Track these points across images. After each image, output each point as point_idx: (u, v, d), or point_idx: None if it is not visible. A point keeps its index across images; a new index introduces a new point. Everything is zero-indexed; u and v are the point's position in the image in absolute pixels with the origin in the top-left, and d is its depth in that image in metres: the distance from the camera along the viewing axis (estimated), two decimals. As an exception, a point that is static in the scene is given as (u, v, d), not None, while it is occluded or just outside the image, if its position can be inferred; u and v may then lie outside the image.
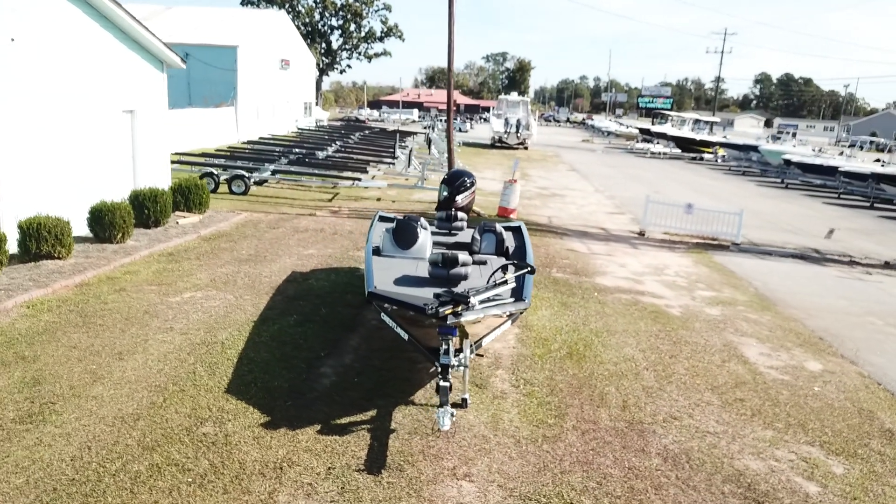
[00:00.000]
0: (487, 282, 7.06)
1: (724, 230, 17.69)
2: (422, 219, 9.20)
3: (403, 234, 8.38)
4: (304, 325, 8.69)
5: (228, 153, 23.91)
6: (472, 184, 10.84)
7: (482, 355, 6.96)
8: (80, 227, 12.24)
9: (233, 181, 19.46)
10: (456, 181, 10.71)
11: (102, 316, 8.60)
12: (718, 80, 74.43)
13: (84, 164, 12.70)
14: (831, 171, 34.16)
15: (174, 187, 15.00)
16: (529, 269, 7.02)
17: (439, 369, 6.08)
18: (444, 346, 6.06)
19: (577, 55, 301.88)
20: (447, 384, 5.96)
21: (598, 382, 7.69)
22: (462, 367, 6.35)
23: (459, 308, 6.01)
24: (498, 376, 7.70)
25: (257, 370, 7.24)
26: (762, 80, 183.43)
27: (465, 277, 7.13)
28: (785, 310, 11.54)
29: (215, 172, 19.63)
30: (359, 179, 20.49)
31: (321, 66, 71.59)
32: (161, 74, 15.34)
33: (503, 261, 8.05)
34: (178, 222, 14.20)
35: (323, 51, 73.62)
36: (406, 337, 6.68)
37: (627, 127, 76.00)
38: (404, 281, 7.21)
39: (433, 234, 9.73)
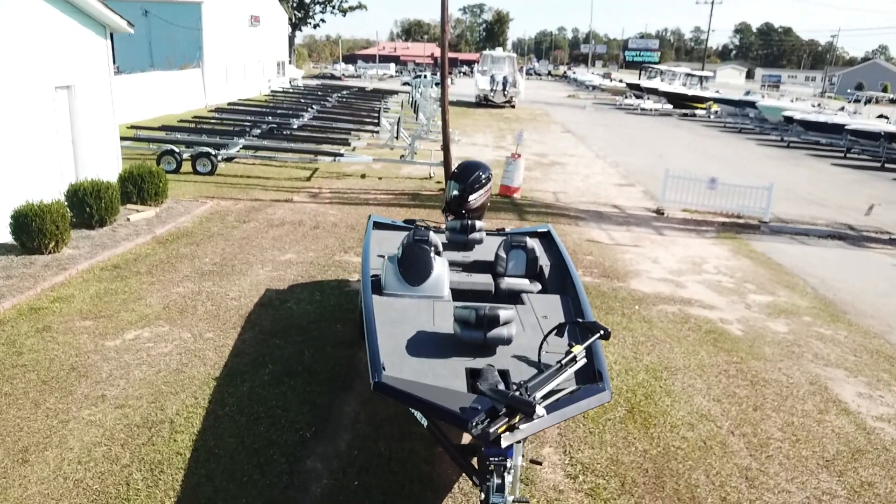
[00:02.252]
0: (539, 351, 5.02)
1: (749, 204, 15.80)
2: (432, 235, 7.08)
3: (412, 264, 6.27)
4: (282, 382, 6.61)
5: (193, 124, 21.38)
6: (488, 179, 8.71)
7: (540, 463, 5.01)
8: (2, 234, 9.97)
9: (197, 160, 17.08)
10: (468, 177, 8.57)
11: (12, 378, 6.46)
12: (709, 31, 71.61)
13: (5, 155, 10.34)
14: (837, 129, 32.28)
15: (124, 175, 12.67)
16: (602, 333, 4.98)
17: None
18: (494, 478, 4.04)
19: (555, 6, 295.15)
20: None
21: (680, 465, 5.75)
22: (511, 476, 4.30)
23: (518, 420, 3.98)
24: (546, 458, 5.73)
25: (219, 475, 5.19)
26: (742, 29, 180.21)
27: (508, 342, 5.08)
28: (859, 319, 9.66)
29: (177, 150, 17.21)
30: (340, 155, 18.18)
31: (293, 20, 67.75)
32: (103, 41, 12.86)
33: (555, 313, 5.99)
34: (129, 219, 11.93)
35: (295, 4, 69.68)
36: (425, 424, 4.65)
37: (613, 80, 73.39)
38: (422, 346, 5.15)
39: (446, 248, 7.63)
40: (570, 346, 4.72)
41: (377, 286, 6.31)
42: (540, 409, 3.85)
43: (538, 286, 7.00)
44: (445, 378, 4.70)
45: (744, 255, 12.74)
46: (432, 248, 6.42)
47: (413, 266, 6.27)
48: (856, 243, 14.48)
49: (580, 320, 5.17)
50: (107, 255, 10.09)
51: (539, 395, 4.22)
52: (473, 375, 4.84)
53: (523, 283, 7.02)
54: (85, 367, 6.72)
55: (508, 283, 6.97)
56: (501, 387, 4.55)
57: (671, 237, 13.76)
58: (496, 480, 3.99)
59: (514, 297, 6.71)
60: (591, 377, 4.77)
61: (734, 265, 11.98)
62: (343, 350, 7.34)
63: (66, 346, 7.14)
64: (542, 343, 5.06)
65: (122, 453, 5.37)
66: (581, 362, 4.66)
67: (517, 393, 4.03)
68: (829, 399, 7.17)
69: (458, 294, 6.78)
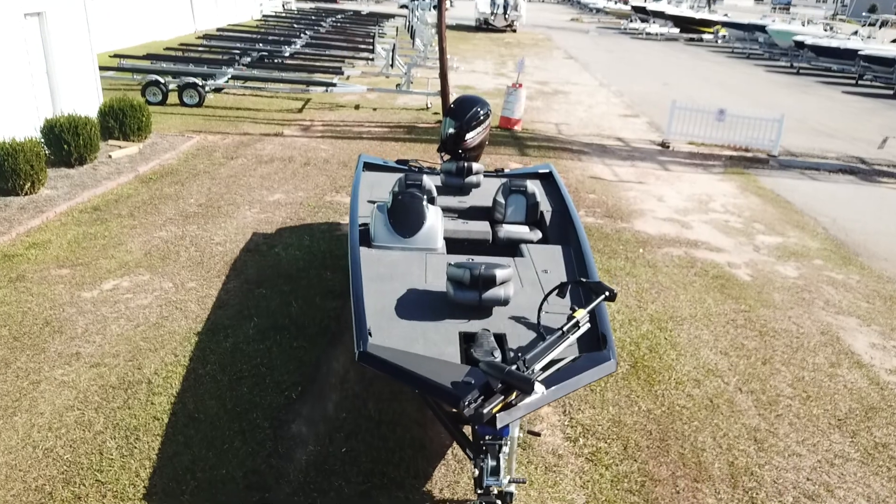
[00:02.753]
0: (539, 312, 4.63)
1: (757, 136, 15.22)
2: (425, 179, 6.62)
3: (404, 214, 5.82)
4: (267, 337, 6.27)
5: (180, 52, 20.45)
6: (487, 115, 8.14)
7: (539, 434, 4.70)
8: (-24, 175, 9.47)
9: (184, 91, 16.33)
10: (466, 113, 8.00)
11: (-18, 334, 6.12)
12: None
13: (-27, 89, 9.72)
14: (850, 54, 31.13)
15: (104, 110, 12.05)
16: (607, 294, 4.58)
17: (476, 486, 3.78)
18: (489, 460, 3.71)
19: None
20: None
21: (685, 426, 5.47)
22: (506, 450, 3.98)
23: (515, 397, 3.63)
24: (544, 419, 5.45)
25: (198, 442, 4.89)
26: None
27: (505, 303, 4.68)
28: (872, 262, 9.28)
29: (162, 81, 16.44)
30: (333, 85, 17.41)
31: (285, -62, 64.64)
32: (74, -39, 11.99)
33: (556, 267, 5.56)
34: (110, 156, 11.39)
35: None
36: (416, 390, 4.31)
37: (618, 3, 70.77)
38: (413, 307, 4.76)
39: (440, 192, 7.17)
40: (573, 309, 4.33)
41: (366, 237, 5.88)
42: (539, 387, 3.49)
43: (538, 234, 6.58)
44: (437, 345, 4.34)
45: (752, 192, 12.26)
46: (425, 197, 5.96)
47: (404, 216, 5.83)
48: (868, 178, 13.98)
49: (584, 280, 4.76)
50: (86, 196, 9.62)
51: (538, 366, 3.86)
52: (467, 340, 4.47)
53: (523, 230, 6.59)
54: (59, 321, 6.37)
55: (507, 230, 6.55)
56: (497, 354, 4.20)
57: (677, 173, 13.24)
58: (490, 462, 3.67)
59: (512, 247, 6.30)
60: (594, 343, 4.40)
61: (742, 203, 11.52)
62: (332, 301, 6.98)
63: (41, 297, 6.78)
64: (541, 304, 4.68)
65: (95, 418, 5.07)
66: (584, 328, 4.28)
67: (514, 367, 3.67)
68: (840, 351, 6.86)
69: (453, 244, 6.37)
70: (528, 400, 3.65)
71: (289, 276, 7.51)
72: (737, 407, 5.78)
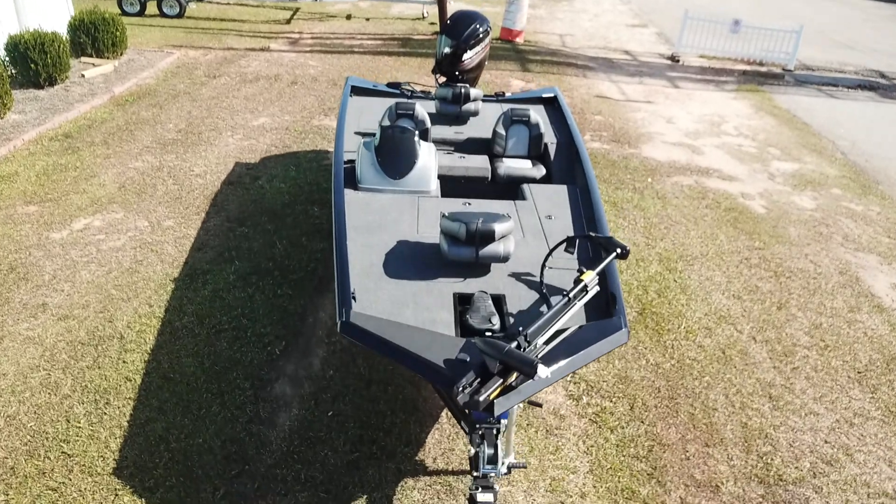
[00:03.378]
0: (542, 270, 4.17)
1: (773, 48, 14.39)
2: (418, 108, 6.02)
3: (393, 153, 5.26)
4: (249, 283, 5.84)
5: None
6: (487, 32, 7.41)
7: (540, 405, 4.34)
8: (-64, 99, 8.81)
9: (164, 0, 15.30)
10: (463, 31, 7.27)
11: (-59, 282, 5.69)
12: None
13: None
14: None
15: (74, 24, 11.20)
16: (619, 251, 4.10)
17: (472, 466, 3.43)
18: (485, 447, 3.33)
19: None
20: (490, 501, 3.34)
21: (696, 382, 5.12)
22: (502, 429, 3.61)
23: (515, 379, 3.23)
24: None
25: (172, 406, 4.54)
26: None
27: (504, 259, 4.22)
28: (893, 191, 8.78)
29: (139, -12, 15.37)
30: (323, -8, 16.32)
31: None
32: None
33: (561, 212, 5.06)
34: (83, 75, 10.64)
35: None
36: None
37: None
38: (403, 264, 4.29)
39: (434, 121, 6.58)
40: (580, 271, 3.86)
41: (351, 177, 5.35)
42: (542, 370, 3.07)
43: (542, 170, 6.04)
44: (429, 309, 3.91)
45: (767, 112, 11.58)
46: (416, 132, 5.38)
47: (394, 155, 5.28)
48: (888, 95, 13.26)
49: (592, 235, 4.27)
50: (57, 122, 8.98)
51: (541, 339, 3.44)
52: (463, 302, 4.04)
53: (525, 166, 6.05)
54: (26, 266, 5.93)
55: (508, 166, 6.01)
56: (496, 320, 3.78)
57: (687, 91, 12.50)
58: (487, 450, 3.30)
59: (513, 187, 5.79)
60: (602, 309, 3.96)
61: (756, 125, 10.88)
62: (319, 241, 6.51)
63: (6, 239, 6.31)
64: (545, 261, 4.22)
65: (62, 380, 4.70)
66: (593, 291, 3.83)
67: (514, 344, 3.25)
68: (860, 293, 6.46)
69: (448, 183, 5.85)
70: (529, 383, 3.24)
71: (273, 212, 7.01)
72: (751, 359, 5.42)
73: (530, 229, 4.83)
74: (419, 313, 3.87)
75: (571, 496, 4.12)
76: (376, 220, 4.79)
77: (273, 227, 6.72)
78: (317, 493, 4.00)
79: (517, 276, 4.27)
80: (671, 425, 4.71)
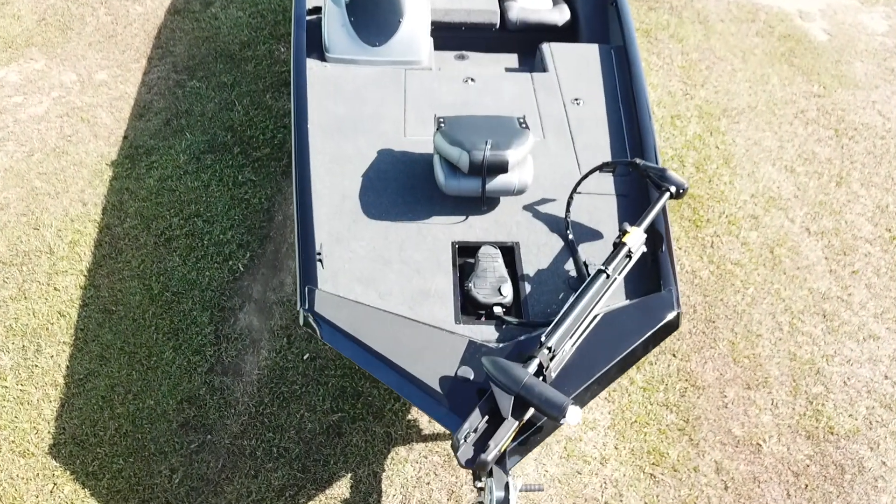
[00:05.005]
0: (567, 208, 3.18)
1: None
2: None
3: (371, 6, 3.94)
4: (203, 165, 4.80)
5: None
6: None
7: (541, 488, 3.53)
8: None
9: None
10: None
11: None
12: None
13: None
14: None
15: None
16: (672, 192, 3.03)
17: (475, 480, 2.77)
18: (493, 489, 2.59)
19: None
20: None
21: (738, 296, 4.33)
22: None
23: (533, 415, 2.44)
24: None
25: (116, 354, 3.80)
26: None
27: (519, 192, 3.19)
28: (981, 4, 7.27)
29: None
30: None
31: None
32: None
33: (592, 89, 3.86)
34: None
35: None
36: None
37: None
38: (383, 196, 3.27)
39: None
40: (623, 232, 2.87)
41: (317, 43, 4.09)
42: (574, 413, 2.26)
43: (565, 13, 4.73)
44: (420, 272, 2.99)
45: None
46: (401, -22, 4.01)
47: (372, 11, 3.97)
48: None
49: (639, 162, 3.18)
50: (-44, -83, 7.16)
51: (570, 344, 2.59)
52: (463, 253, 3.12)
53: (543, 7, 4.72)
54: (-73, 146, 4.85)
55: (522, 7, 4.68)
56: (506, 291, 2.90)
57: None
58: (496, 493, 2.58)
59: (528, 39, 4.54)
60: (645, 277, 3.03)
61: None
62: (286, 99, 5.33)
63: None
64: (571, 194, 3.21)
65: (-18, 318, 3.92)
66: (638, 254, 2.88)
67: (535, 366, 2.42)
68: (935, 158, 5.44)
69: (444, 32, 4.58)
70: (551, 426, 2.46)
71: (230, 55, 5.71)
72: (803, 260, 4.59)
73: (552, 122, 3.72)
74: (407, 279, 2.97)
75: (589, 462, 3.54)
76: (349, 112, 3.67)
77: (231, 79, 5.49)
78: (292, 470, 3.41)
79: (535, 210, 3.29)
80: (707, 360, 4.02)
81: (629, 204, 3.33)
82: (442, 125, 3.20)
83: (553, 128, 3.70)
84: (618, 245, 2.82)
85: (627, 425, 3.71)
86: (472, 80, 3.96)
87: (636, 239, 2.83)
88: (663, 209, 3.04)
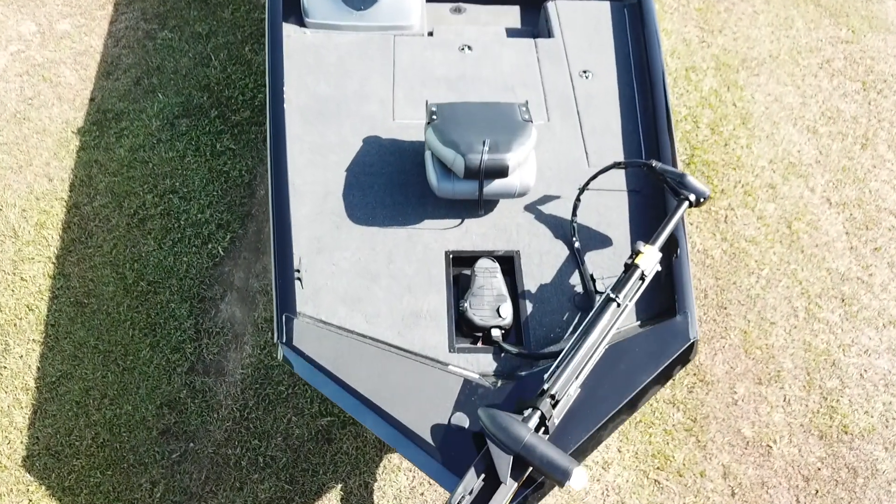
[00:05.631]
0: (574, 210, 2.88)
1: None
2: None
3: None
4: (178, 132, 4.42)
5: None
6: None
7: None
8: None
9: None
10: None
11: None
12: None
13: None
14: None
15: None
16: (691, 200, 2.69)
17: None
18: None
19: None
20: None
21: (752, 279, 4.07)
22: None
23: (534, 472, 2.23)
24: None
25: (89, 351, 3.56)
26: None
27: (520, 195, 2.86)
28: None
29: None
30: None
31: None
32: None
33: (602, 54, 3.45)
34: None
35: None
36: None
37: None
38: (369, 195, 2.95)
39: None
40: (635, 253, 2.56)
41: (294, 5, 3.65)
42: (579, 476, 2.05)
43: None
44: (411, 289, 2.72)
45: None
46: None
47: (355, -30, 3.52)
48: None
49: (655, 164, 2.83)
50: None
51: (575, 386, 2.35)
52: (458, 263, 2.83)
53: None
54: None
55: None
56: (505, 312, 2.64)
57: None
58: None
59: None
60: (657, 299, 2.75)
61: None
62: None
63: None
64: (578, 196, 2.90)
65: (-56, 312, 3.66)
66: (651, 275, 2.59)
67: (537, 418, 2.19)
68: (968, 114, 5.05)
69: None
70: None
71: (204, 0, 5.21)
72: (822, 236, 4.30)
73: (558, 99, 3.35)
74: (397, 298, 2.70)
75: (591, 467, 3.38)
76: (331, 91, 3.30)
77: (206, 29, 5.01)
78: (279, 481, 3.24)
79: (538, 211, 2.98)
80: (718, 351, 3.80)
81: (642, 201, 3.02)
82: (434, 117, 2.84)
83: (558, 107, 3.33)
84: (629, 267, 2.53)
85: (632, 426, 3.53)
86: (469, 47, 3.55)
87: (650, 260, 2.54)
88: (681, 223, 2.73)
